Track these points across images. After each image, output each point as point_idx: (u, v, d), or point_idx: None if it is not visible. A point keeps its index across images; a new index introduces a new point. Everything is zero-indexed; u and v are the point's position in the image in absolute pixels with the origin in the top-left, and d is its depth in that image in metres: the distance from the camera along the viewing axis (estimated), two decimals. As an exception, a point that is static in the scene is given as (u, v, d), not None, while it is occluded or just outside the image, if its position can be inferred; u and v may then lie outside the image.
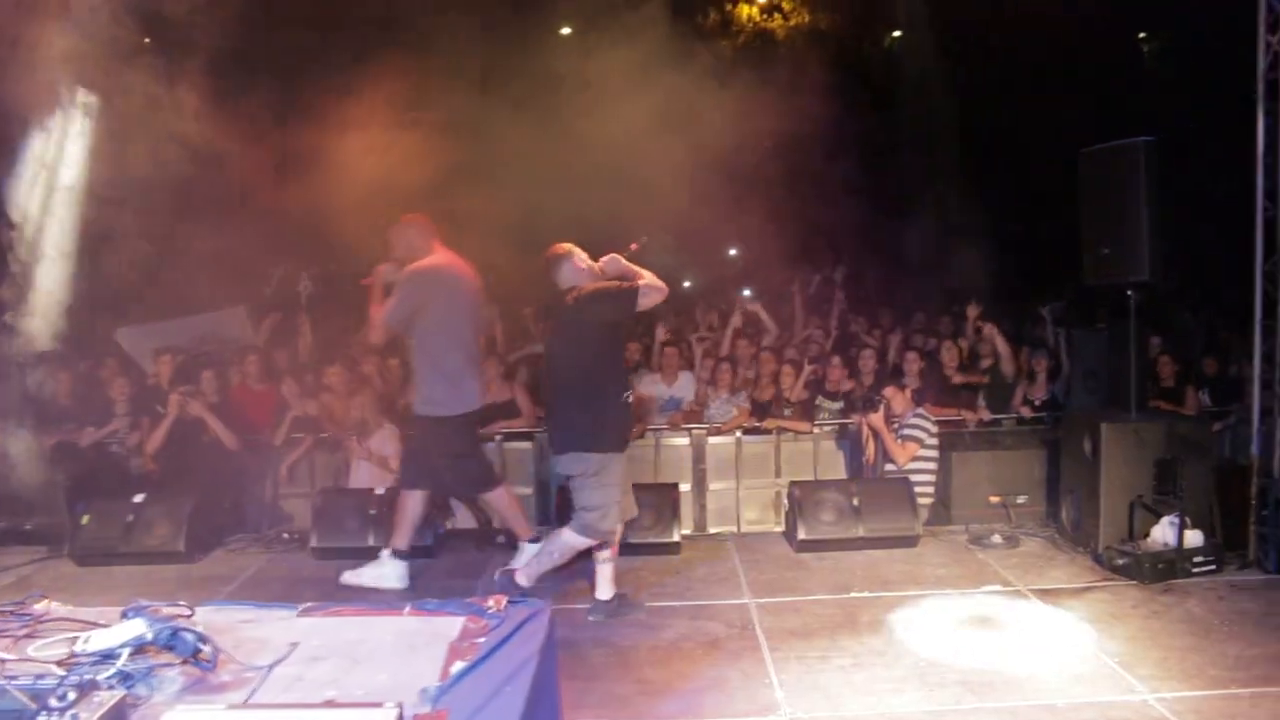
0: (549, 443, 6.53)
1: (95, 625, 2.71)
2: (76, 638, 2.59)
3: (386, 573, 6.63)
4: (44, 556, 7.41)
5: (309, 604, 3.16)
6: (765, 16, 20.67)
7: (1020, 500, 7.80)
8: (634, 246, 6.12)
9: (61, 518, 7.58)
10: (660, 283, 5.94)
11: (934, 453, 8.22)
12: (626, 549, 7.16)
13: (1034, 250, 14.63)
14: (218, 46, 7.77)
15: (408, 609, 3.13)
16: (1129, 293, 7.34)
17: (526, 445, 8.81)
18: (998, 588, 6.47)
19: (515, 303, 10.85)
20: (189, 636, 2.60)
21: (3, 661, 2.47)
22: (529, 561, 6.29)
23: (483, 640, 2.85)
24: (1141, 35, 18.28)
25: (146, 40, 7.69)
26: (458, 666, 2.68)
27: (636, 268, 6.00)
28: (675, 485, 8.03)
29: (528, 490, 8.68)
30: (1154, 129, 7.14)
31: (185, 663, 2.57)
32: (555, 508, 7.67)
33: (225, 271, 10.07)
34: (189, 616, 2.76)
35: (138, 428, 8.57)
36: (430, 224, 6.70)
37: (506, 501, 6.94)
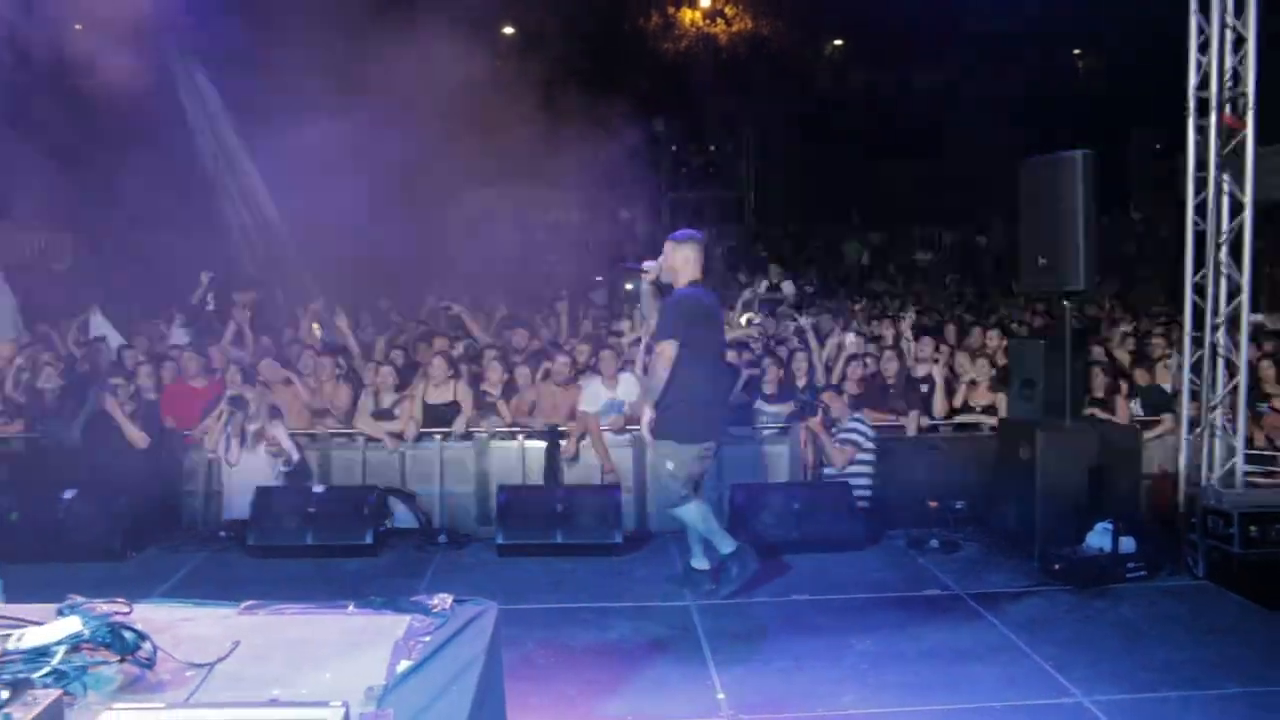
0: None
1: (28, 622, 2.62)
2: (9, 635, 2.51)
3: None
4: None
5: (251, 602, 3.09)
6: (708, 21, 20.78)
7: (958, 506, 7.89)
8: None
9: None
10: None
11: (872, 457, 8.30)
12: (567, 550, 7.16)
13: (976, 258, 14.87)
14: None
15: (352, 607, 3.08)
16: (1065, 302, 7.49)
17: (467, 444, 8.74)
18: (936, 591, 6.55)
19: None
20: (127, 634, 2.53)
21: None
22: None
23: (428, 639, 2.82)
24: (1076, 52, 18.68)
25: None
26: (404, 665, 2.64)
27: None
28: (617, 486, 8.03)
29: (468, 488, 8.62)
30: (1087, 143, 7.30)
31: (123, 661, 2.50)
32: (497, 507, 7.59)
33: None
34: (127, 613, 2.68)
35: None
36: None
37: None
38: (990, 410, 8.94)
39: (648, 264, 6.63)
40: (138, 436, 8.11)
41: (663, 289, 6.65)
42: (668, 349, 6.25)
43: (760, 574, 6.47)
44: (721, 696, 4.95)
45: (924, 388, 9.24)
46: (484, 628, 2.95)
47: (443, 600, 3.04)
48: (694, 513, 6.49)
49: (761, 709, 4.83)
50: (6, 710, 2.03)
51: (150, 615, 2.85)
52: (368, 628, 2.93)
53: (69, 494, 7.38)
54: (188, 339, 10.63)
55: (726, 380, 6.32)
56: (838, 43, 20.48)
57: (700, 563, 6.72)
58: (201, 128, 14.28)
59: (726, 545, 6.49)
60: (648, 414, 6.43)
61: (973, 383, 9.27)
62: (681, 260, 6.46)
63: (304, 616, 3.05)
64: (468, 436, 8.75)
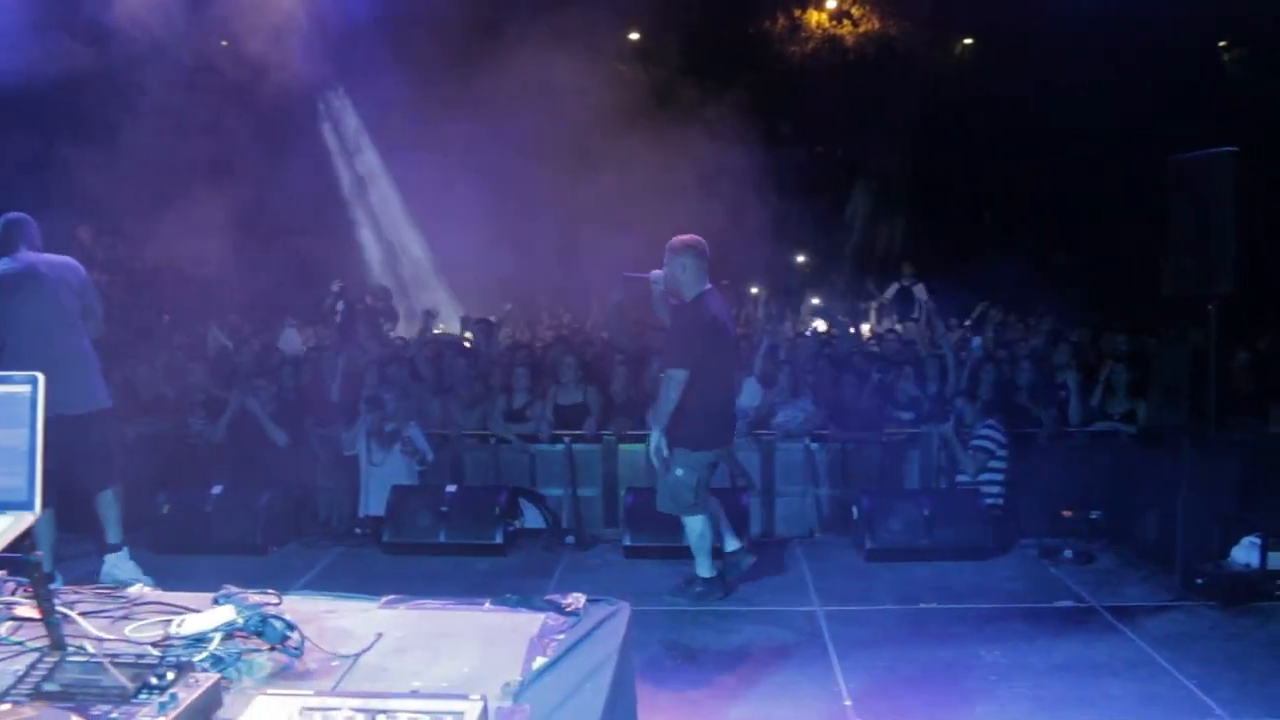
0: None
1: (188, 609, 2.76)
2: (170, 620, 2.65)
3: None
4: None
5: (390, 596, 3.19)
6: (834, 22, 20.53)
7: (1094, 515, 7.65)
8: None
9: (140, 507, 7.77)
10: None
11: (1004, 464, 8.11)
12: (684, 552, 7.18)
13: (1113, 261, 14.38)
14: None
15: (488, 604, 3.15)
16: (1209, 305, 7.19)
17: (594, 446, 8.83)
18: (1070, 603, 6.38)
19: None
20: (278, 624, 2.63)
21: (102, 641, 2.54)
22: None
23: (562, 637, 2.86)
24: (1222, 44, 17.91)
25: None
26: (539, 662, 2.69)
27: None
28: (746, 490, 8.04)
29: (596, 490, 8.70)
30: (1233, 138, 6.97)
31: (273, 649, 2.61)
32: (625, 509, 7.68)
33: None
34: (277, 604, 2.80)
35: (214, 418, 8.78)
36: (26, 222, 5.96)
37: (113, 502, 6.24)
38: (1129, 417, 8.64)
39: (655, 274, 6.48)
40: (278, 435, 8.44)
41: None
42: (679, 377, 6.11)
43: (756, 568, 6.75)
44: (848, 704, 4.91)
45: (1061, 394, 8.98)
46: (617, 628, 2.98)
47: (576, 599, 3.08)
48: (699, 525, 6.44)
49: (889, 718, 4.77)
50: (173, 690, 2.15)
51: (296, 606, 2.96)
52: (503, 624, 2.98)
53: (216, 489, 7.73)
54: (300, 344, 11.02)
55: (735, 384, 6.34)
56: (967, 41, 19.99)
57: (731, 544, 6.78)
58: (340, 145, 14.92)
59: (731, 543, 6.74)
60: (655, 438, 6.24)
61: (1110, 389, 8.94)
62: (680, 269, 6.30)
63: (442, 612, 3.12)
64: (596, 438, 8.84)
